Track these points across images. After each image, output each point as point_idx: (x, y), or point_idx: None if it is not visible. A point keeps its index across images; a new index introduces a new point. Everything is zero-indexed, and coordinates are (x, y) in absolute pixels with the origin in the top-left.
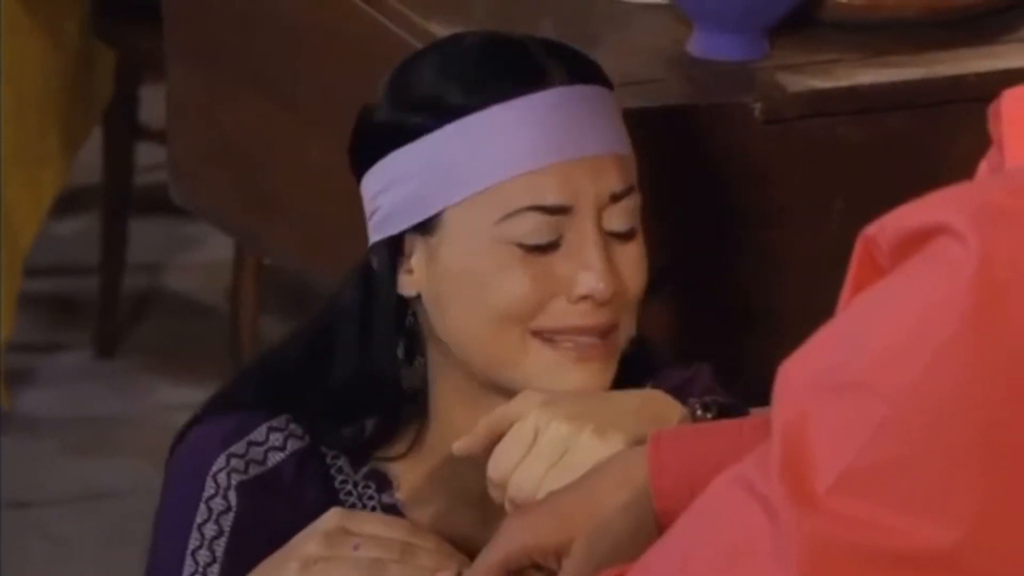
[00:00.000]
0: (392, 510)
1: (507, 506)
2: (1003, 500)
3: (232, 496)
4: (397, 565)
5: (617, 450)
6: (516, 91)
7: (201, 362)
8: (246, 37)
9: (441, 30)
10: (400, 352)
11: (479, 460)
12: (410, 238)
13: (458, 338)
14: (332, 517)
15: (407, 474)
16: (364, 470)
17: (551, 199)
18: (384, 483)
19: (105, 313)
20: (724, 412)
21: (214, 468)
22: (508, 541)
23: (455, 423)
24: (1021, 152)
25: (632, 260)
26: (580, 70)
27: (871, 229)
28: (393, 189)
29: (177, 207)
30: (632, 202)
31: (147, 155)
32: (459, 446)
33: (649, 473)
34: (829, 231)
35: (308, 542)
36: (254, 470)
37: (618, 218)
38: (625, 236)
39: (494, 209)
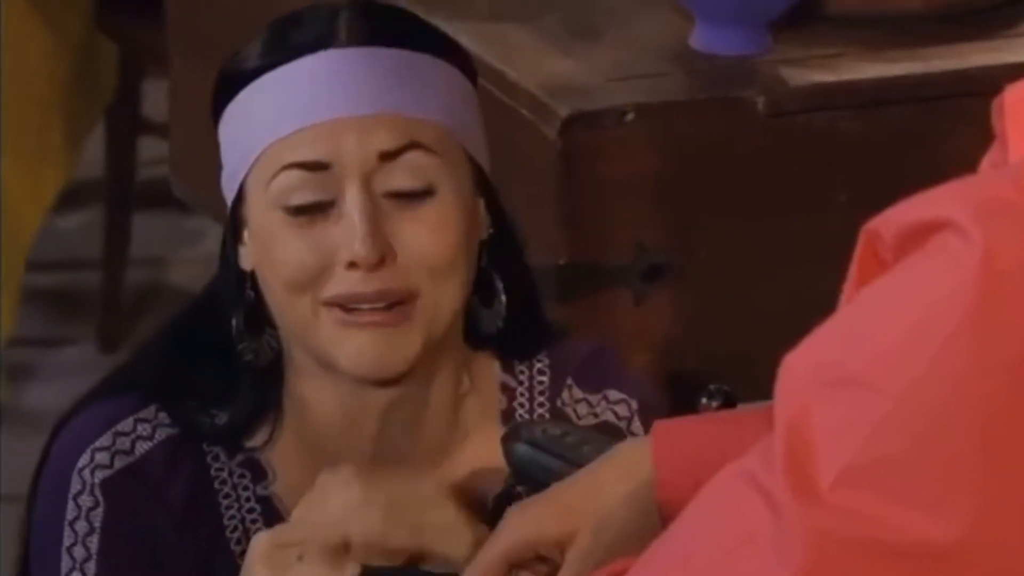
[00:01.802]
0: (266, 503)
1: None
2: (1006, 496)
3: (98, 492)
4: (357, 545)
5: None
6: (301, 52)
7: None
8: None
9: (445, 26)
10: (236, 325)
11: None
12: (237, 210)
13: (273, 311)
14: (259, 544)
15: (279, 461)
16: (239, 458)
17: (307, 155)
18: (259, 473)
19: (108, 308)
20: (729, 400)
21: (79, 464)
22: (511, 533)
23: (308, 400)
24: None
25: (426, 223)
26: (387, 34)
27: (874, 223)
28: (224, 158)
29: (179, 201)
30: (417, 159)
31: (150, 149)
32: None
33: (652, 464)
34: (831, 224)
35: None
36: (120, 462)
37: (399, 177)
38: (414, 196)
39: (263, 172)
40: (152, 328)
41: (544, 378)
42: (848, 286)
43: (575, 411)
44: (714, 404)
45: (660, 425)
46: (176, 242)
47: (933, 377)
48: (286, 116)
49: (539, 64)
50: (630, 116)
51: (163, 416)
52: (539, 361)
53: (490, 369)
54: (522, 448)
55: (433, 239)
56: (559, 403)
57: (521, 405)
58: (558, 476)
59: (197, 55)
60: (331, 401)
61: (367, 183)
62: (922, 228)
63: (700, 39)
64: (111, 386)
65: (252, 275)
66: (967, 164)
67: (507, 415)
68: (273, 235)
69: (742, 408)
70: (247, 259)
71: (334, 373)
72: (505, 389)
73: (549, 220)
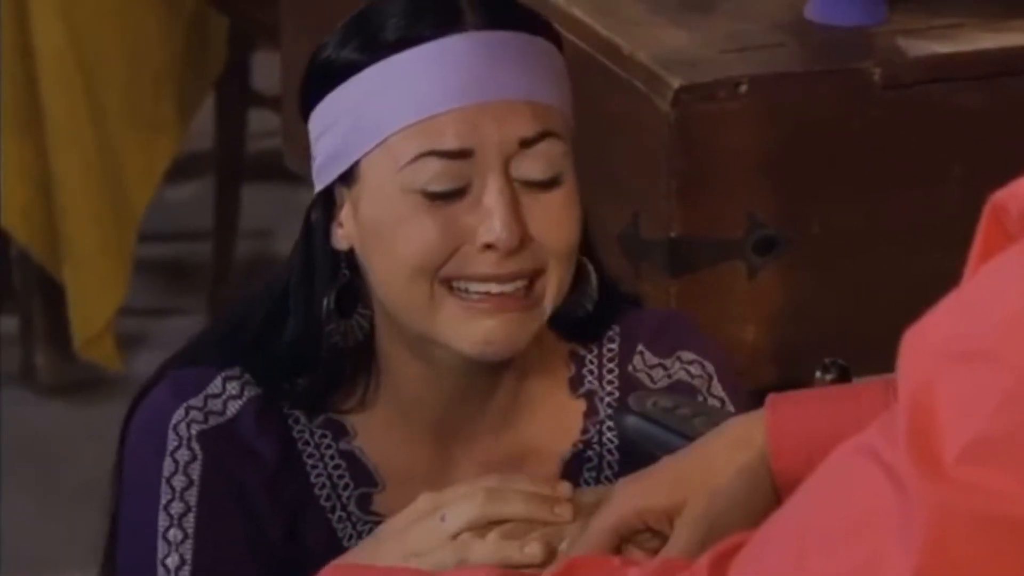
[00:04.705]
0: (350, 456)
1: None
2: None
3: (196, 445)
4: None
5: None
6: (429, 36)
7: None
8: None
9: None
10: (327, 305)
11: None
12: (339, 190)
13: (382, 291)
14: (422, 503)
15: (362, 424)
16: (320, 419)
17: (449, 143)
18: (340, 431)
19: (218, 278)
20: (844, 374)
21: (174, 420)
22: (621, 505)
23: (403, 372)
24: None
25: (554, 210)
26: (506, 17)
27: (1000, 195)
28: (324, 138)
29: (289, 174)
30: (550, 148)
31: (259, 122)
32: None
33: (767, 435)
34: (945, 199)
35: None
36: (214, 420)
37: (532, 165)
38: (544, 185)
39: (397, 157)
40: None
41: (614, 345)
42: (972, 258)
43: (649, 376)
44: (828, 378)
45: (775, 398)
46: (285, 214)
47: None
48: (419, 101)
49: (652, 36)
50: (743, 88)
51: (249, 376)
52: (609, 329)
53: (556, 336)
54: (632, 420)
55: (561, 226)
56: (629, 369)
57: (591, 372)
58: (669, 449)
59: (310, 28)
60: (418, 377)
61: (505, 169)
62: None
63: (815, 9)
64: (192, 355)
65: (347, 255)
66: None
67: (575, 382)
68: (403, 217)
69: (857, 382)
70: (343, 239)
71: (429, 353)
72: (574, 356)
73: (661, 193)
